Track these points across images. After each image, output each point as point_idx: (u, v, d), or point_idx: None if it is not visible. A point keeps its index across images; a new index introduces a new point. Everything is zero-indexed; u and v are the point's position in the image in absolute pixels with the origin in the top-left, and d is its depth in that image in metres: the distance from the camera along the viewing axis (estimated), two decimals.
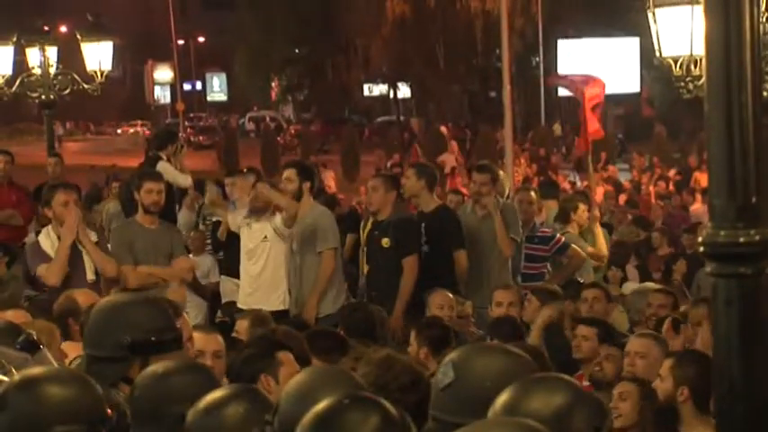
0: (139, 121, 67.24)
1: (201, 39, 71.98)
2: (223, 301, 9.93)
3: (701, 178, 19.72)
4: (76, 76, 12.70)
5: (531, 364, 3.27)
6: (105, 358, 3.91)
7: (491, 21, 39.99)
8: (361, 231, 9.20)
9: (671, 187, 21.41)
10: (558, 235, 9.72)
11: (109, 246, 8.09)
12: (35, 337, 3.97)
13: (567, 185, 20.87)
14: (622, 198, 19.97)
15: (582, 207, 10.49)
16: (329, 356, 5.13)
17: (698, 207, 17.43)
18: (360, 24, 48.60)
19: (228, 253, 9.97)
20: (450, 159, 28.75)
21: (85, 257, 7.71)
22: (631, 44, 40.23)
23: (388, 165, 28.78)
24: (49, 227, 7.91)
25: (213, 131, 55.27)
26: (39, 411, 2.90)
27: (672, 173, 23.90)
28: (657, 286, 9.23)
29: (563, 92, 39.87)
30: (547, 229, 9.88)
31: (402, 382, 4.05)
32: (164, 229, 8.29)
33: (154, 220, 8.18)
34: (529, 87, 45.45)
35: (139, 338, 3.87)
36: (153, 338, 3.89)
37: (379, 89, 60.09)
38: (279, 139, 46.68)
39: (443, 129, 37.81)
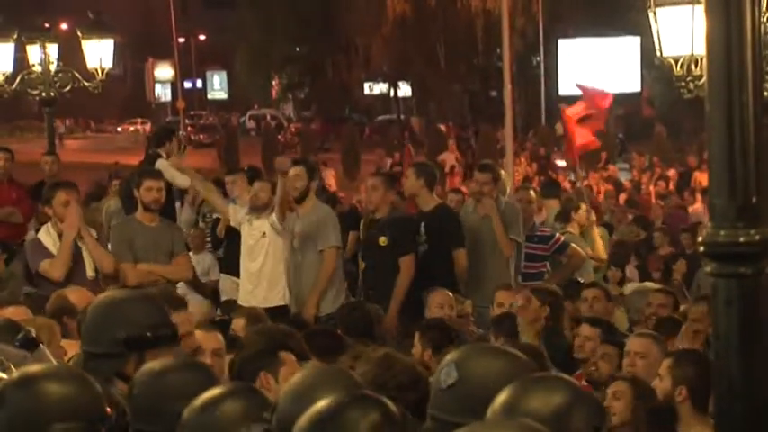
0: (140, 119, 67.17)
1: (202, 37, 71.97)
2: (222, 299, 9.93)
3: (702, 178, 19.70)
4: (77, 74, 12.69)
5: (532, 364, 3.27)
6: (101, 354, 3.91)
7: (492, 20, 39.94)
8: (361, 229, 9.21)
9: (671, 187, 21.40)
10: (558, 234, 9.72)
11: (109, 245, 8.11)
12: (34, 335, 3.97)
13: (567, 185, 20.86)
14: (622, 198, 19.97)
15: (583, 207, 10.51)
16: (328, 356, 5.13)
17: (697, 207, 17.42)
18: (360, 23, 48.58)
19: (228, 250, 9.98)
20: (449, 158, 28.75)
21: (85, 254, 7.74)
22: (632, 44, 40.20)
23: (389, 164, 28.76)
24: (49, 224, 7.93)
25: (214, 130, 55.18)
26: (38, 409, 2.89)
27: (671, 172, 23.88)
28: (657, 286, 9.23)
29: (564, 91, 39.95)
30: (546, 229, 9.89)
31: (401, 381, 4.05)
32: (164, 226, 8.29)
33: (154, 217, 8.18)
34: (529, 87, 45.43)
35: (135, 334, 3.88)
36: (148, 334, 3.90)
37: (379, 88, 60.09)
38: (279, 137, 46.69)
39: (442, 127, 37.80)
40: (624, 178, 24.97)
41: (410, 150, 33.47)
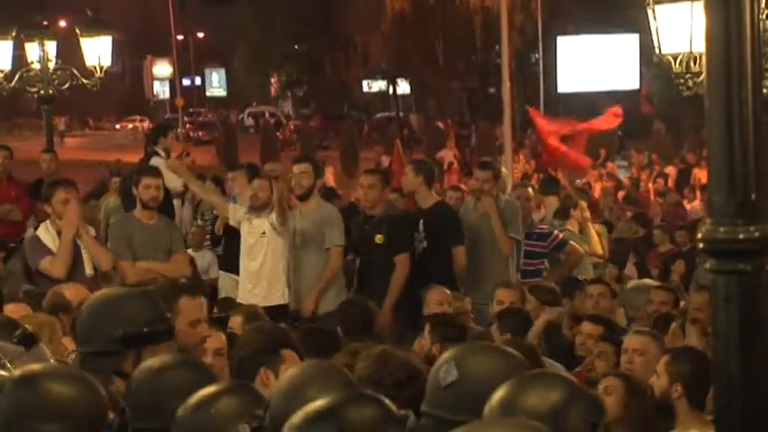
0: (138, 117, 67.11)
1: (201, 34, 71.90)
2: (220, 296, 9.92)
3: (701, 175, 19.71)
4: (75, 72, 12.69)
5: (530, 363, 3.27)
6: (98, 352, 3.90)
7: (490, 17, 39.98)
8: (352, 227, 9.20)
9: (670, 184, 21.40)
10: (556, 231, 9.72)
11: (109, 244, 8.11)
12: (32, 332, 3.97)
13: (565, 182, 20.84)
14: (621, 195, 19.96)
15: (582, 204, 10.51)
16: (324, 354, 5.12)
17: (696, 204, 17.43)
18: (359, 21, 48.62)
19: (227, 248, 9.97)
20: (448, 155, 28.74)
21: (84, 252, 7.74)
22: (631, 41, 40.14)
23: (388, 162, 28.71)
24: (48, 221, 7.93)
25: (212, 127, 55.20)
26: (37, 408, 2.88)
27: (670, 170, 23.89)
28: (657, 283, 9.22)
29: (562, 88, 39.94)
30: (544, 226, 9.88)
31: (397, 378, 4.04)
32: (163, 224, 8.30)
33: (152, 215, 8.18)
34: (528, 84, 45.42)
35: (131, 331, 3.87)
36: (145, 330, 3.89)
37: (378, 85, 60.11)
38: (278, 134, 46.69)
39: (441, 124, 37.77)
40: (623, 175, 24.97)
41: (399, 147, 33.36)
